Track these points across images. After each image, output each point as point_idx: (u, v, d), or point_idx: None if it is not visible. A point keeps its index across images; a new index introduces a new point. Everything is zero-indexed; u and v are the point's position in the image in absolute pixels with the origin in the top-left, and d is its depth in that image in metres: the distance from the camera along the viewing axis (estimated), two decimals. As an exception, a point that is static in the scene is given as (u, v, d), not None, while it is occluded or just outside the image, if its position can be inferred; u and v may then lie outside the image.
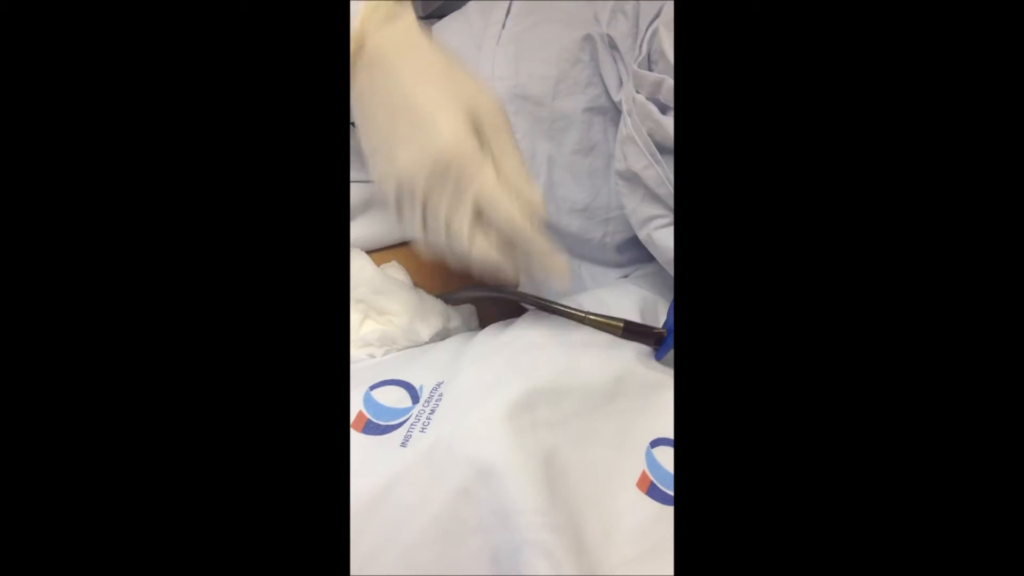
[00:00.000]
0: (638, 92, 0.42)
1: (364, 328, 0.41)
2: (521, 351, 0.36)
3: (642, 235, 0.44)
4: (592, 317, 0.39)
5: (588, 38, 0.47)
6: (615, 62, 0.47)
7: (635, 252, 0.50)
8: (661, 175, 0.41)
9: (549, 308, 0.40)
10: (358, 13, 0.33)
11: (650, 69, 0.42)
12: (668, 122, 0.40)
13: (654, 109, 0.40)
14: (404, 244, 0.47)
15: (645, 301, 0.42)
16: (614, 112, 0.48)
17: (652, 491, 0.33)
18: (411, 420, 0.32)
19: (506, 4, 0.49)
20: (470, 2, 0.53)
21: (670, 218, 0.42)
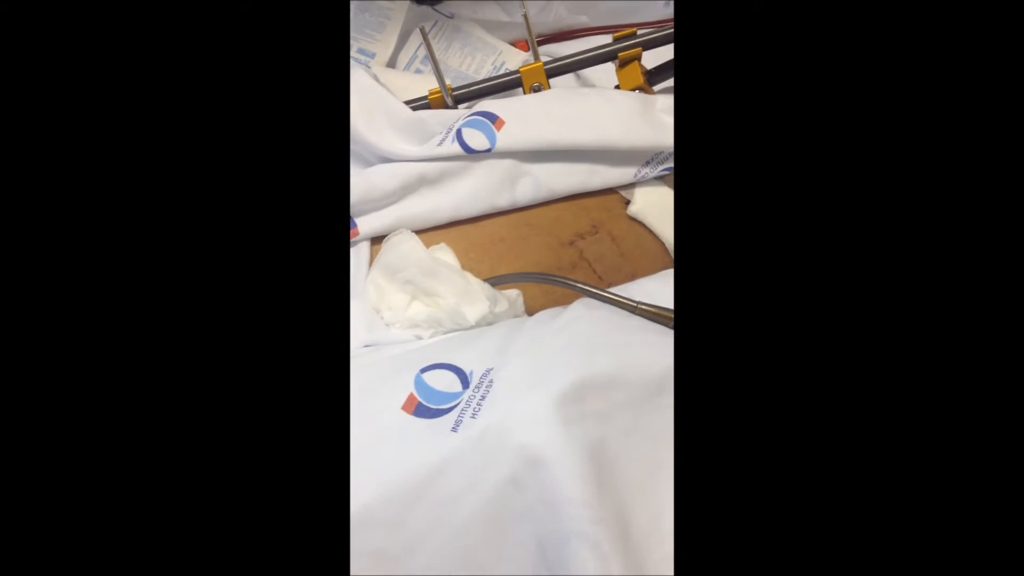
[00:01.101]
0: None
1: (411, 309, 0.41)
2: (572, 340, 0.36)
3: None
4: (643, 307, 0.39)
5: None
6: None
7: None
8: None
9: (600, 297, 0.39)
10: None
11: None
12: None
13: None
14: (453, 225, 0.47)
15: (696, 293, 0.41)
16: None
17: (699, 487, 0.33)
18: (462, 405, 0.32)
19: None
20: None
21: None
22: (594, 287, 0.40)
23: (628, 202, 0.51)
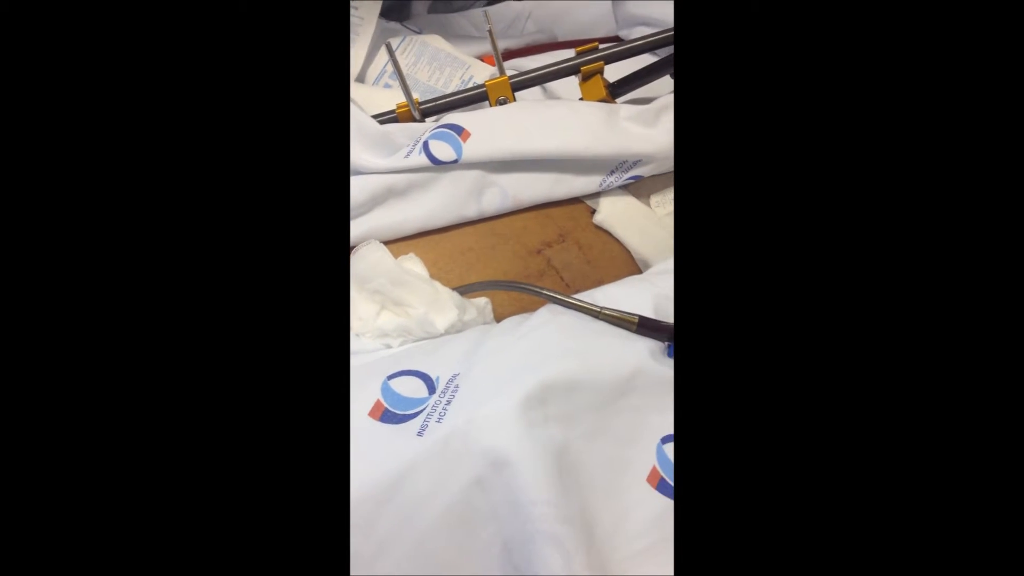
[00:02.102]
0: None
1: (381, 319, 0.42)
2: (536, 345, 0.37)
3: None
4: (607, 312, 0.40)
5: None
6: None
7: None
8: None
9: (564, 303, 0.40)
10: None
11: None
12: None
13: None
14: (422, 235, 0.48)
15: (658, 298, 0.42)
16: None
17: (662, 486, 0.34)
18: (427, 410, 0.33)
19: None
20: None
21: None
22: (559, 293, 0.41)
23: (594, 211, 0.52)
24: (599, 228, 0.53)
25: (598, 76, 0.52)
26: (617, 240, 0.53)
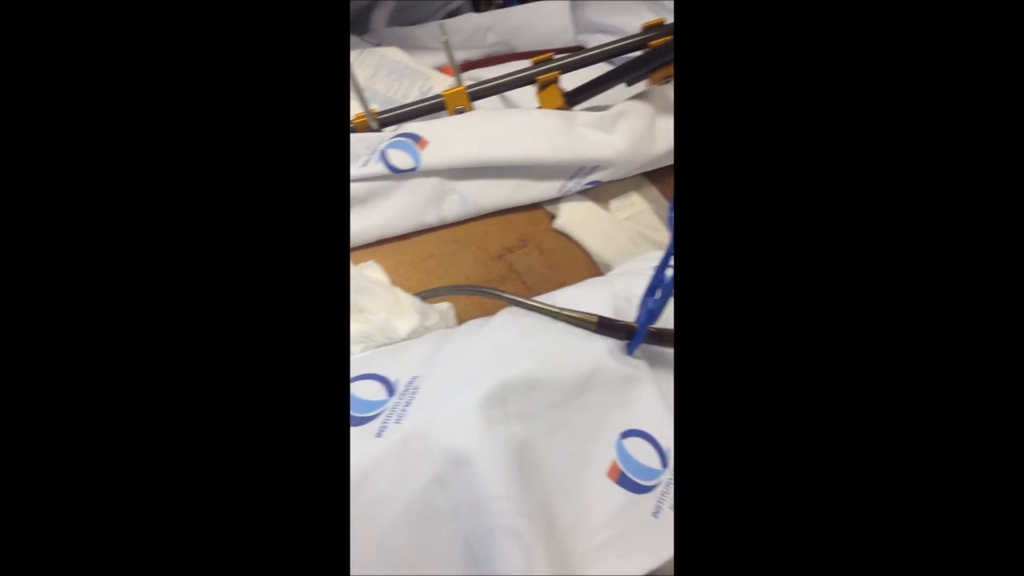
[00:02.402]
0: None
1: (342, 326, 0.42)
2: (496, 346, 0.37)
3: None
4: (567, 313, 0.40)
5: None
6: None
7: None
8: None
9: (525, 305, 0.41)
10: None
11: None
12: None
13: None
14: (382, 243, 0.48)
15: (617, 299, 0.43)
16: None
17: (622, 480, 0.34)
18: (386, 412, 0.33)
19: None
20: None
21: None
22: (520, 296, 0.41)
23: (554, 216, 0.53)
24: (560, 233, 0.53)
25: (554, 85, 0.53)
26: (578, 244, 0.54)
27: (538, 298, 0.42)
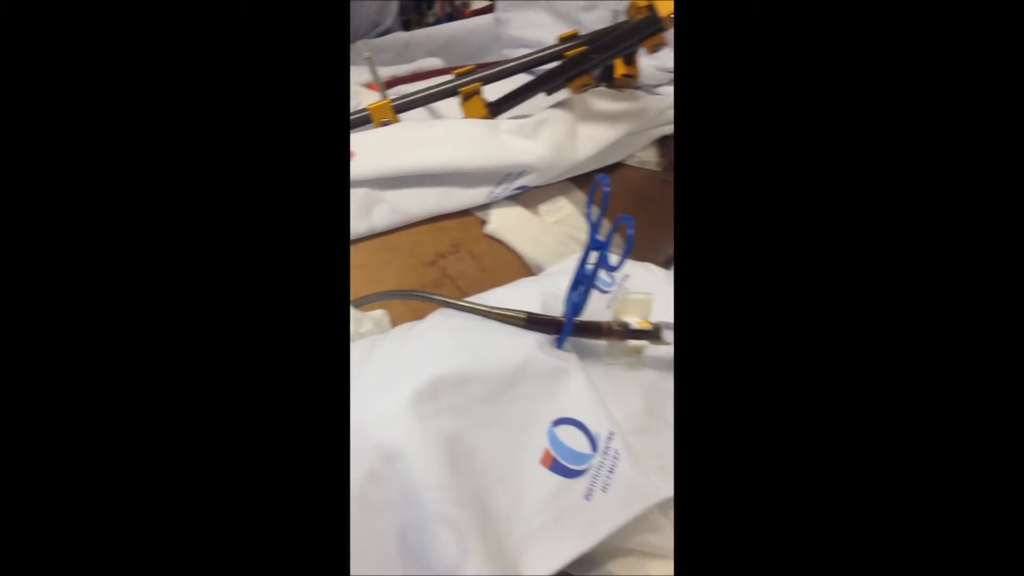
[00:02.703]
0: None
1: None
2: (427, 345, 0.38)
3: None
4: (496, 311, 0.41)
5: None
6: None
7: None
8: None
9: (456, 306, 0.42)
10: None
11: None
12: None
13: None
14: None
15: (546, 296, 0.45)
16: None
17: (555, 466, 0.35)
18: (318, 413, 0.33)
19: None
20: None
21: None
22: (450, 298, 0.42)
23: (484, 222, 0.55)
24: (491, 238, 0.55)
25: (477, 96, 0.55)
26: (509, 248, 0.56)
27: (469, 299, 0.43)
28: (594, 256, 0.38)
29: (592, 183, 0.49)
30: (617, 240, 0.35)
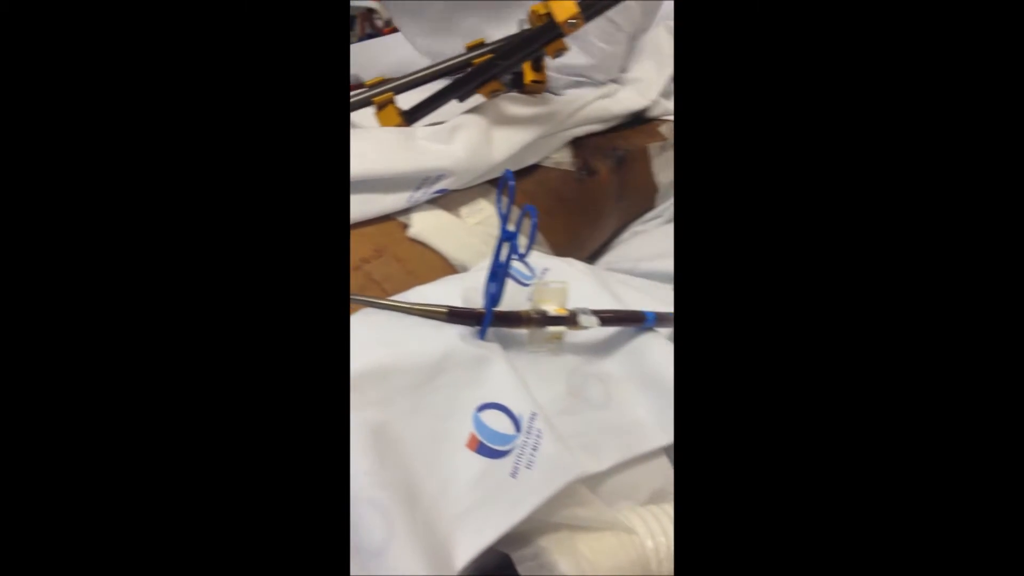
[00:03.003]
0: None
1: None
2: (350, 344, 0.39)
3: None
4: (419, 307, 0.43)
5: None
6: None
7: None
8: None
9: (376, 304, 0.43)
10: None
11: None
12: None
13: None
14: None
15: (467, 291, 0.46)
16: None
17: (481, 448, 0.37)
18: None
19: None
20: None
21: None
22: (370, 297, 0.43)
23: (407, 226, 0.56)
24: (415, 241, 0.56)
25: (391, 105, 0.56)
26: (434, 250, 0.57)
27: (392, 297, 0.44)
28: (507, 247, 0.40)
29: (500, 179, 0.51)
30: (540, 239, 0.37)
